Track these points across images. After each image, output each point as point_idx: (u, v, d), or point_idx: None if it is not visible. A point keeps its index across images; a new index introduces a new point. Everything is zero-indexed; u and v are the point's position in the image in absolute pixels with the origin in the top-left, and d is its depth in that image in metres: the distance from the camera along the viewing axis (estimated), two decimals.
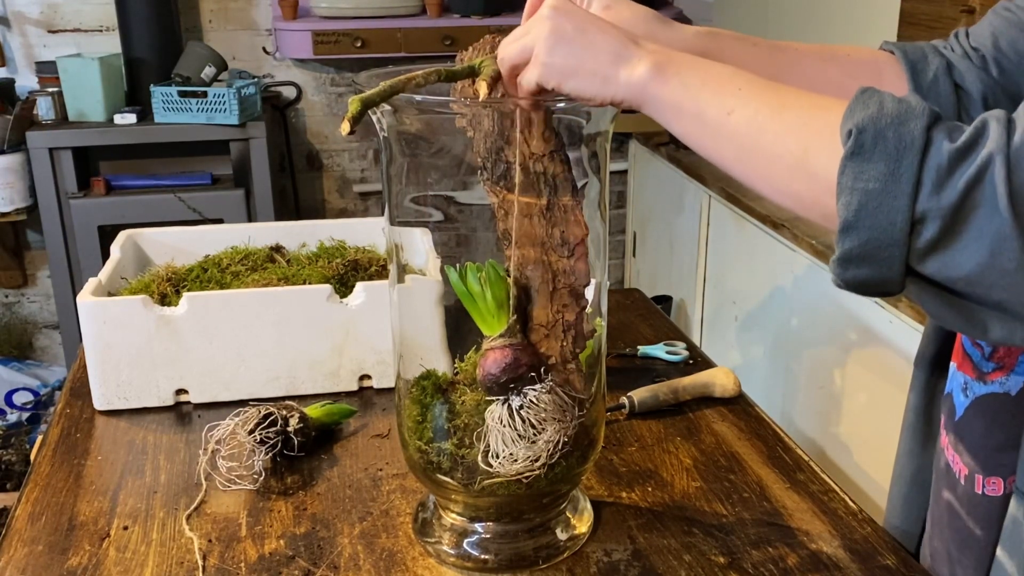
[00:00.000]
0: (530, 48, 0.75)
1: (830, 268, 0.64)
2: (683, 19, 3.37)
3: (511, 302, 0.86)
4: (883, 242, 0.60)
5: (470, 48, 0.84)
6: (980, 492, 0.85)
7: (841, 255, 0.63)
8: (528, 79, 0.75)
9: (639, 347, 1.39)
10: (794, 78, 0.89)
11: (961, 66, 0.91)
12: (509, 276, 0.86)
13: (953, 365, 0.91)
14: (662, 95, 0.72)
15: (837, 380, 2.05)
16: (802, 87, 0.71)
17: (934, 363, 0.98)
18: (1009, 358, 0.82)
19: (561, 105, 0.79)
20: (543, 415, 0.84)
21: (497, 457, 0.85)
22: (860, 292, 0.65)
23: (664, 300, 2.97)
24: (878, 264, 0.62)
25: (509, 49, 0.77)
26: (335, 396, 1.24)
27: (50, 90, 2.80)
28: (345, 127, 0.73)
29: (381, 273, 1.34)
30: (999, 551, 0.82)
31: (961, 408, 0.88)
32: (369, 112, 0.83)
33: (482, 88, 0.76)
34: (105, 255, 1.61)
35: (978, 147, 0.58)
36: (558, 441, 0.85)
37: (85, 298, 1.18)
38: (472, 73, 0.80)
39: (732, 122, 0.69)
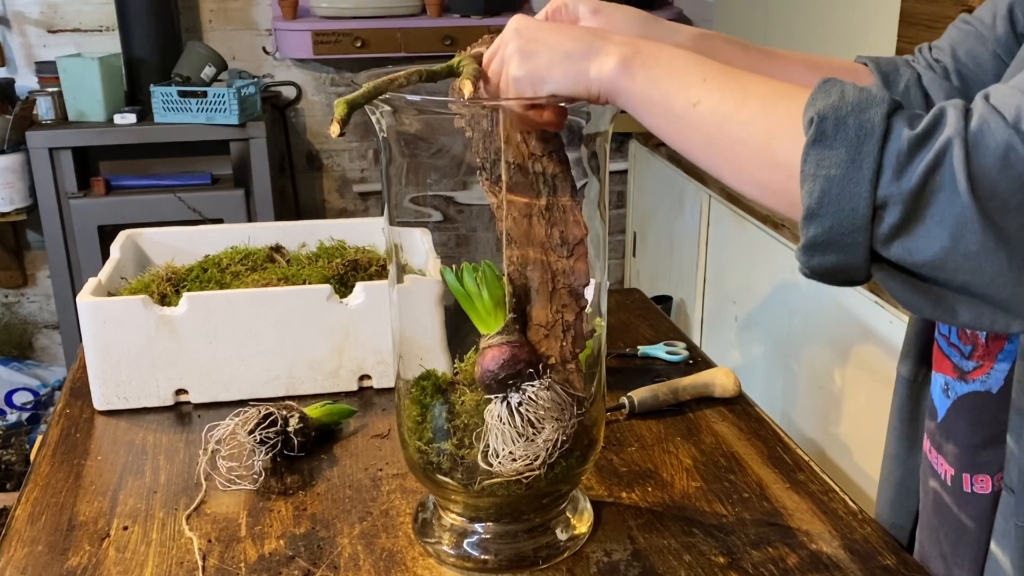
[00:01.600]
0: (507, 74, 0.77)
1: (796, 256, 0.65)
2: (683, 19, 3.37)
3: (507, 301, 0.86)
4: (846, 228, 0.61)
5: (469, 48, 0.84)
6: (969, 491, 0.86)
7: (806, 242, 0.63)
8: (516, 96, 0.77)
9: (639, 347, 1.39)
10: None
11: (927, 76, 0.95)
12: (504, 277, 0.86)
13: (932, 369, 0.92)
14: (630, 88, 0.73)
15: (837, 380, 2.05)
16: None
17: (916, 367, 0.99)
18: (988, 356, 0.83)
19: (562, 105, 0.79)
20: (542, 412, 0.84)
21: (497, 456, 0.85)
22: (827, 280, 0.66)
23: (664, 300, 2.97)
24: (842, 251, 0.62)
25: (502, 88, 0.79)
26: (335, 396, 1.24)
27: (50, 90, 2.80)
28: (335, 129, 0.74)
29: (381, 273, 1.34)
30: (993, 545, 0.83)
31: (943, 409, 0.89)
32: (368, 113, 0.83)
33: (467, 87, 0.76)
34: (105, 255, 1.61)
35: (937, 132, 0.59)
36: (557, 440, 0.85)
37: (85, 298, 1.18)
38: (452, 73, 0.80)
39: (698, 112, 0.69)
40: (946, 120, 0.59)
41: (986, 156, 0.57)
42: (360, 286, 1.24)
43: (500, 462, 0.85)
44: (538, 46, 0.75)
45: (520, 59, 0.75)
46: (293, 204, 3.29)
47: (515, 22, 0.78)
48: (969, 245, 0.58)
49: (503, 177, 0.82)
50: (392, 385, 1.22)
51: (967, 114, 0.59)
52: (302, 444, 1.08)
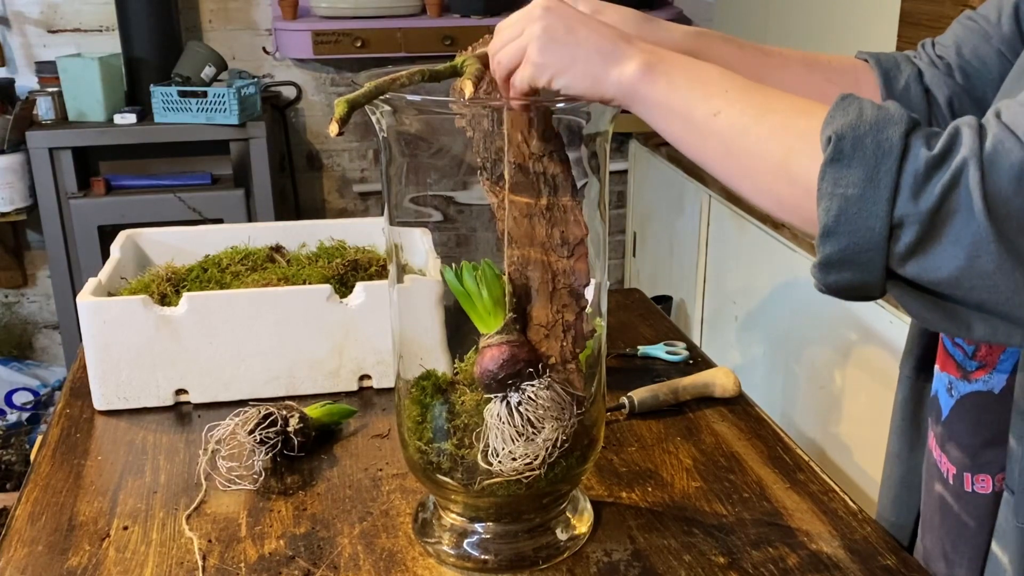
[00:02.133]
0: (523, 48, 0.75)
1: (811, 273, 0.65)
2: (683, 19, 3.37)
3: (507, 300, 0.86)
4: (863, 247, 0.61)
5: (469, 48, 0.84)
6: (970, 490, 0.86)
7: (822, 260, 0.63)
8: (520, 79, 0.76)
9: (639, 347, 1.39)
10: (778, 81, 0.91)
11: (929, 73, 0.95)
12: (504, 276, 0.86)
13: (936, 366, 0.92)
14: (651, 95, 0.73)
15: (837, 380, 2.05)
16: (785, 90, 0.72)
17: (919, 366, 0.99)
18: (991, 356, 0.83)
19: (560, 105, 0.79)
20: (541, 412, 0.84)
21: (496, 455, 0.85)
22: (842, 296, 0.66)
23: (664, 300, 2.97)
24: (858, 268, 0.63)
25: (504, 52, 0.77)
26: (335, 396, 1.24)
27: (50, 90, 2.80)
28: (333, 128, 0.74)
29: (381, 273, 1.34)
30: (994, 545, 0.83)
31: (947, 408, 0.89)
32: (369, 113, 0.83)
33: (467, 87, 0.76)
34: (105, 255, 1.61)
35: (953, 153, 0.59)
36: (557, 439, 0.85)
37: (85, 298, 1.18)
38: (455, 73, 0.80)
39: (718, 123, 0.70)
40: (962, 140, 0.59)
41: (1001, 177, 0.58)
42: (360, 286, 1.24)
43: (500, 461, 0.85)
44: (568, 36, 0.74)
45: (545, 42, 0.74)
46: (293, 204, 3.29)
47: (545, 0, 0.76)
48: (985, 265, 0.58)
49: (506, 177, 0.82)
50: (392, 385, 1.22)
51: (981, 133, 0.59)
52: (302, 444, 1.08)
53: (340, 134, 0.74)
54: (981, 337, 0.63)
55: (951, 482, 0.88)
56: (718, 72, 0.72)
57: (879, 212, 0.60)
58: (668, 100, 0.72)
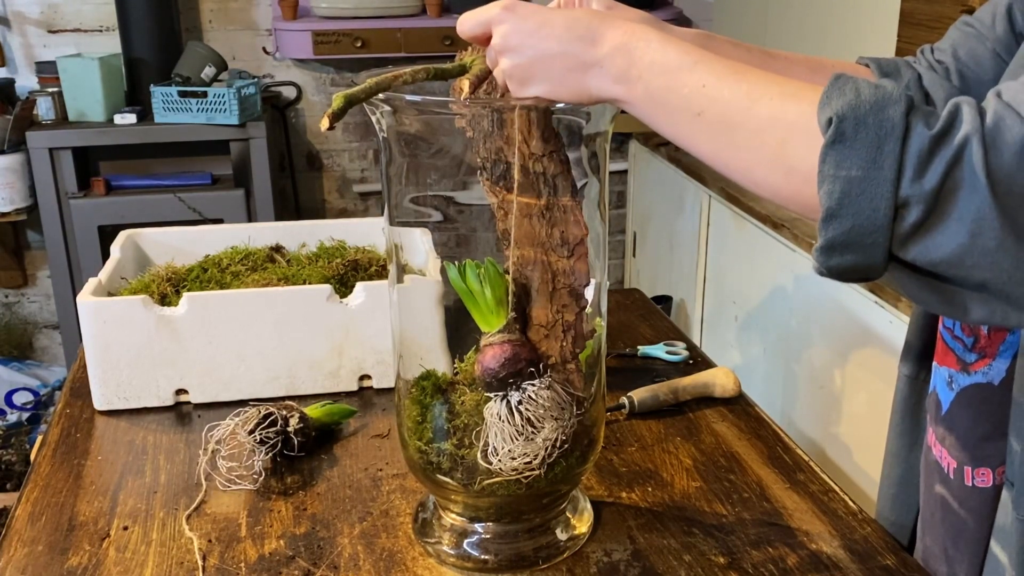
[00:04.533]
0: (503, 79, 0.77)
1: (813, 256, 0.65)
2: (683, 19, 3.37)
3: (510, 299, 0.86)
4: (867, 229, 0.61)
5: (469, 48, 0.84)
6: (970, 484, 0.86)
7: (825, 243, 0.63)
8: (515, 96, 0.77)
9: (639, 347, 1.39)
10: None
11: (927, 76, 0.97)
12: (508, 276, 0.86)
13: (935, 363, 0.93)
14: (631, 100, 0.73)
15: (837, 380, 2.05)
16: None
17: (917, 363, 1.00)
18: (991, 347, 0.84)
19: (560, 105, 0.79)
20: (541, 412, 0.84)
21: (496, 453, 0.85)
22: (842, 279, 0.66)
23: (664, 300, 2.97)
24: (862, 251, 0.62)
25: (496, 74, 0.79)
26: (335, 396, 1.24)
27: (50, 90, 2.80)
28: (324, 123, 0.74)
29: (381, 273, 1.34)
30: (992, 543, 0.83)
31: (947, 402, 0.89)
32: (369, 113, 0.83)
33: (464, 86, 0.76)
34: (105, 255, 1.61)
35: (954, 130, 0.59)
36: (557, 439, 0.85)
37: (85, 298, 1.18)
38: (462, 71, 0.80)
39: (703, 122, 0.69)
40: (962, 117, 0.59)
41: (1004, 152, 0.58)
42: (360, 286, 1.24)
43: (499, 460, 0.85)
44: (532, 62, 0.74)
45: (520, 81, 0.75)
46: (293, 204, 3.29)
47: (502, 29, 0.76)
48: (987, 242, 0.58)
49: (515, 178, 0.82)
50: (392, 385, 1.22)
51: (981, 111, 0.59)
52: (302, 444, 1.08)
53: (331, 128, 0.74)
54: (977, 320, 0.62)
55: (951, 477, 0.88)
56: (691, 62, 0.70)
57: (884, 193, 0.59)
58: (650, 105, 0.72)
